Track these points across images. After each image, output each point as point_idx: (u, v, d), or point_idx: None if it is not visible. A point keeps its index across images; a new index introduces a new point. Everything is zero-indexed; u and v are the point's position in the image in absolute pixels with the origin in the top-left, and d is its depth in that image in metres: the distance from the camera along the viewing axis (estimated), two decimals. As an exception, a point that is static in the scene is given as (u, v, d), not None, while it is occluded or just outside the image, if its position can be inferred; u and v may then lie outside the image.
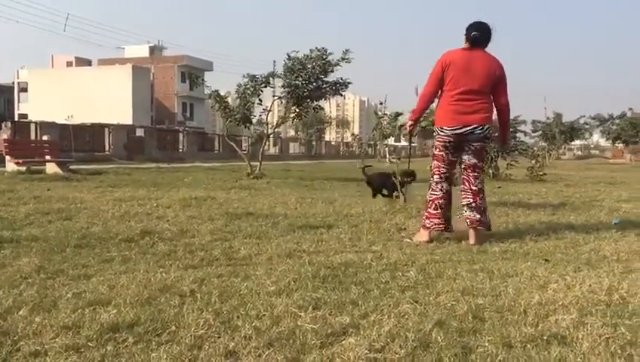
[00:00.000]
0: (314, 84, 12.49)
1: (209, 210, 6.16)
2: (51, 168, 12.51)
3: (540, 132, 48.59)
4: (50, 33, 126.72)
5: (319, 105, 13.82)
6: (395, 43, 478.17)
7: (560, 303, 2.77)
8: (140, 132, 30.90)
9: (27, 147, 14.42)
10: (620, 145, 53.37)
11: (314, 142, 56.71)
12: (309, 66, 12.30)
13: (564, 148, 63.09)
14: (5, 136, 19.71)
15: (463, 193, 4.68)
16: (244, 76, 12.95)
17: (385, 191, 7.68)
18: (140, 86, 53.50)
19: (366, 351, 2.10)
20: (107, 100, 48.67)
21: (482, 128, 4.57)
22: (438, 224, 4.60)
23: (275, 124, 15.43)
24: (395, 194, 7.42)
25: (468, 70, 4.52)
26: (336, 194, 8.48)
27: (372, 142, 46.20)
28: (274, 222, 5.28)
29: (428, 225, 4.60)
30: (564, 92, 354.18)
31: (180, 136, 34.30)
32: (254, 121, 14.74)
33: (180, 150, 32.76)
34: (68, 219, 5.30)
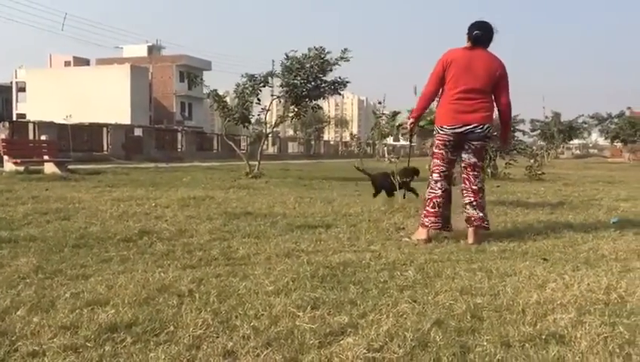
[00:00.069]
0: (312, 83, 12.48)
1: (207, 209, 6.16)
2: (49, 168, 12.49)
3: (539, 131, 48.49)
4: (48, 33, 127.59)
5: (318, 105, 13.79)
6: (394, 43, 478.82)
7: (558, 302, 2.77)
8: (138, 131, 30.87)
9: (25, 147, 14.40)
10: (619, 145, 53.38)
11: (312, 142, 56.59)
12: (308, 66, 12.30)
13: (563, 147, 63.12)
14: (3, 136, 19.62)
15: (464, 192, 4.69)
16: (242, 76, 13.00)
17: (394, 189, 7.62)
18: (139, 85, 53.40)
19: (364, 351, 2.10)
20: (105, 100, 48.56)
21: (482, 127, 4.56)
22: (436, 222, 4.59)
23: (273, 123, 15.40)
24: (403, 193, 7.38)
25: (469, 69, 4.51)
26: (335, 194, 8.48)
27: (371, 142, 46.16)
28: (272, 222, 5.28)
29: (426, 224, 4.59)
30: (562, 91, 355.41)
31: (179, 135, 34.21)
32: (253, 120, 14.72)
33: (179, 150, 32.70)
34: (66, 218, 5.30)
